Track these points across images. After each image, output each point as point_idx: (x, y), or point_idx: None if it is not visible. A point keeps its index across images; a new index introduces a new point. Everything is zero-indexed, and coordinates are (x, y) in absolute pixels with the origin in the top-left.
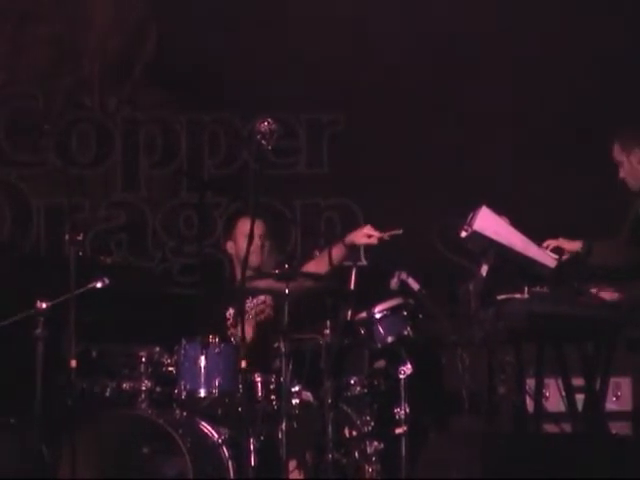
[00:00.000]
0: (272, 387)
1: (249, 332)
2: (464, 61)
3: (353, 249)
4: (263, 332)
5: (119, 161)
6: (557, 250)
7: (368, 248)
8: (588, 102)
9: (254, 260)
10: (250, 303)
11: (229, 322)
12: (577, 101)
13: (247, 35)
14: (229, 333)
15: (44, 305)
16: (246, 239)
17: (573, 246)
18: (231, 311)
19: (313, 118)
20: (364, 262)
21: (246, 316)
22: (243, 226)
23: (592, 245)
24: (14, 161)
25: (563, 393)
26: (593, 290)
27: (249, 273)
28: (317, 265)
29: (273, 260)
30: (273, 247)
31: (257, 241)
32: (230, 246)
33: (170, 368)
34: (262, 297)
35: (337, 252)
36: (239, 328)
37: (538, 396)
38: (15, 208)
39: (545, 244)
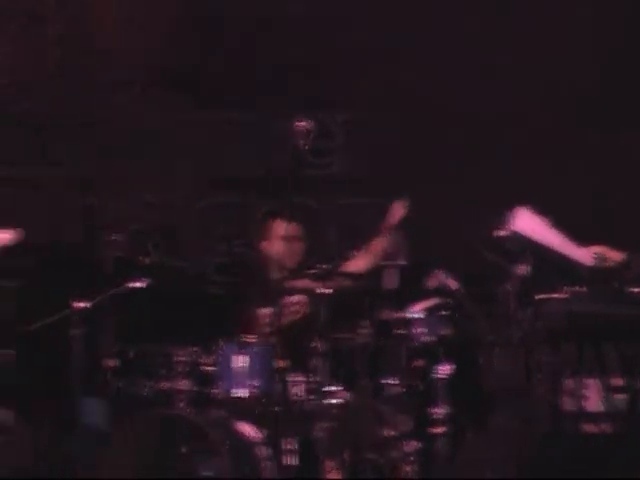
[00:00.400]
0: (310, 387)
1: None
2: (500, 61)
3: (393, 234)
4: (299, 332)
5: (154, 161)
6: (599, 257)
7: (407, 248)
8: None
9: (289, 262)
10: (286, 300)
11: (265, 322)
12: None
13: (281, 34)
14: (265, 333)
15: (81, 305)
16: (280, 240)
17: (615, 256)
18: (267, 311)
19: (350, 118)
20: (402, 261)
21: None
22: (278, 227)
23: (632, 260)
24: (51, 161)
25: (602, 393)
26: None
27: (284, 274)
28: (357, 263)
29: (306, 261)
30: (306, 249)
31: (291, 243)
32: (265, 246)
33: (208, 368)
34: (297, 297)
35: (379, 243)
36: (276, 328)
37: (577, 396)
38: (52, 208)
39: (588, 250)
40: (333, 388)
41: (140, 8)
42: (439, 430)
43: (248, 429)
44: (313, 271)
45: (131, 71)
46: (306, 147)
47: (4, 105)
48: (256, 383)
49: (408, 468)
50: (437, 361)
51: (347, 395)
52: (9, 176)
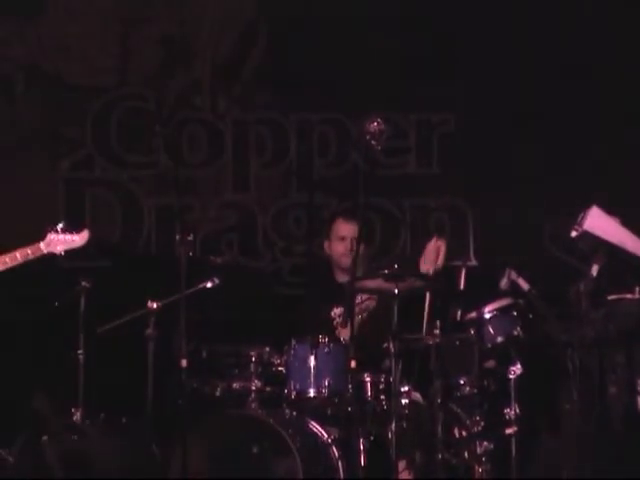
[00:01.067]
0: (382, 387)
1: (345, 331)
2: (575, 61)
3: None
4: (369, 330)
5: (229, 162)
6: None
7: (478, 248)
8: None
9: (343, 261)
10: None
11: (335, 322)
12: None
13: (357, 35)
14: (336, 333)
15: (155, 305)
16: (340, 240)
17: None
18: (337, 311)
19: (423, 118)
20: (474, 262)
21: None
22: (337, 227)
23: None
24: (126, 162)
25: None
26: None
27: (348, 274)
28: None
29: (368, 262)
30: (367, 249)
31: (346, 242)
32: (327, 246)
33: (280, 368)
34: (364, 296)
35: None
36: (347, 328)
37: None
38: (126, 209)
39: None
40: (405, 388)
41: (225, 9)
42: (511, 430)
43: (320, 429)
44: (386, 272)
45: (213, 71)
46: (379, 147)
47: (108, 105)
48: (328, 383)
49: (480, 469)
50: (509, 361)
51: (419, 395)
52: (88, 177)
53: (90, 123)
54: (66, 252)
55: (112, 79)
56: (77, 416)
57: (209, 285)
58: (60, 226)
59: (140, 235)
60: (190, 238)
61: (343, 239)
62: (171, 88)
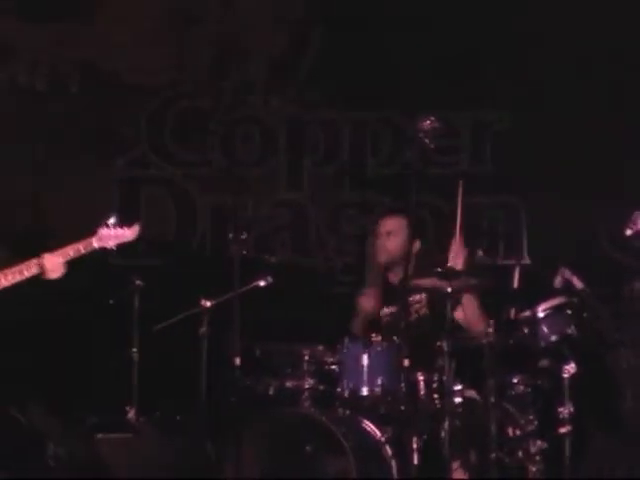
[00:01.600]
0: (435, 386)
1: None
2: (629, 60)
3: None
4: (423, 331)
5: (283, 160)
6: None
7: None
8: None
9: (380, 257)
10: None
11: (385, 321)
12: None
13: (409, 33)
14: (386, 332)
15: (208, 303)
16: (385, 237)
17: None
18: (386, 310)
19: (476, 116)
20: (528, 260)
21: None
22: (383, 224)
23: None
24: (180, 161)
25: None
26: None
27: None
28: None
29: (427, 260)
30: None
31: (386, 238)
32: (371, 243)
33: (333, 366)
34: (417, 296)
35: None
36: (399, 326)
37: None
38: (181, 207)
39: None
40: (458, 387)
41: (279, 8)
42: (564, 430)
43: (374, 428)
44: (439, 270)
45: (267, 70)
46: (432, 146)
47: (163, 104)
48: (381, 382)
49: (534, 468)
50: (563, 360)
51: (473, 394)
52: (143, 175)
53: (145, 122)
54: (118, 247)
55: (166, 78)
56: (131, 414)
57: (262, 284)
58: (111, 221)
59: (194, 234)
60: (243, 237)
61: (389, 234)
62: (225, 87)
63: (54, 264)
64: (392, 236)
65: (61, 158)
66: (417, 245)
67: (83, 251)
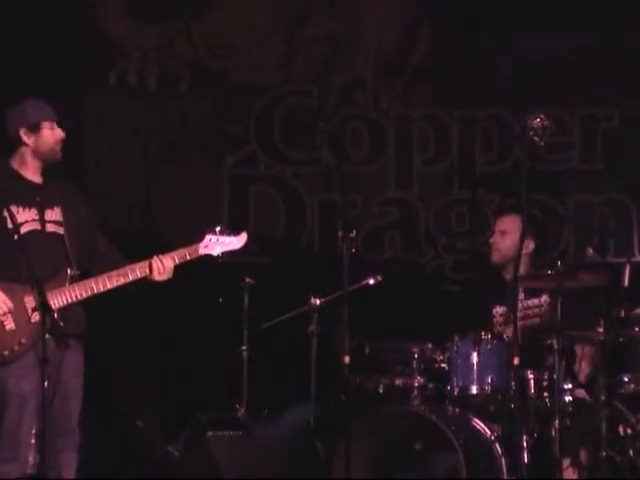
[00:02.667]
0: (545, 384)
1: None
2: None
3: None
4: (535, 334)
5: (392, 158)
6: None
7: None
8: None
9: (494, 256)
10: (523, 303)
11: (498, 320)
12: None
13: (517, 31)
14: (499, 330)
15: (318, 301)
16: (502, 235)
17: None
18: (499, 309)
19: (587, 113)
20: (638, 258)
21: (519, 314)
22: (500, 222)
23: None
24: (289, 159)
25: None
26: None
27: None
28: None
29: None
30: (534, 246)
31: (501, 237)
32: (492, 241)
33: (442, 364)
34: (537, 300)
35: None
36: (510, 326)
37: None
38: (289, 205)
39: None
40: (569, 386)
41: (390, 6)
42: None
43: (483, 426)
44: (550, 269)
45: (376, 68)
46: (542, 143)
47: (272, 102)
48: (491, 380)
49: None
50: None
51: (583, 393)
52: (252, 174)
53: (254, 120)
54: (224, 254)
55: (276, 77)
56: (241, 412)
57: (372, 282)
58: (218, 228)
59: (303, 231)
60: (353, 235)
61: (503, 233)
62: (334, 85)
63: (162, 267)
64: (506, 235)
65: (171, 157)
66: (531, 245)
67: (188, 257)
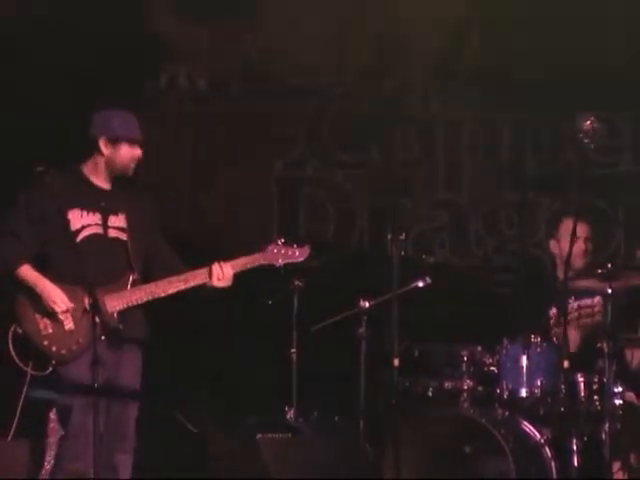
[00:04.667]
0: (595, 387)
1: (572, 333)
2: None
3: None
4: (589, 336)
5: (441, 161)
6: None
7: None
8: None
9: (577, 262)
10: (574, 304)
11: (552, 322)
12: None
13: (567, 32)
14: (552, 333)
15: (367, 304)
16: (568, 240)
17: None
18: (554, 310)
19: (637, 116)
20: None
21: (569, 316)
22: (567, 226)
23: None
24: (339, 161)
25: None
26: None
27: (570, 274)
28: None
29: (594, 261)
30: (594, 248)
31: (581, 244)
32: (553, 245)
33: (492, 367)
34: (589, 301)
35: None
36: (561, 328)
37: None
38: (339, 208)
39: None
40: (619, 389)
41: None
42: None
43: (533, 429)
44: (600, 271)
45: (425, 70)
46: (592, 146)
47: (322, 105)
48: (540, 383)
49: None
50: None
51: (633, 396)
52: (302, 176)
53: (304, 123)
54: (285, 265)
55: (326, 79)
56: (290, 414)
57: (421, 284)
58: (282, 239)
59: (352, 234)
60: (402, 237)
61: (572, 238)
62: (384, 88)
63: (222, 274)
64: (580, 240)
65: (221, 159)
66: (582, 246)
67: (249, 266)
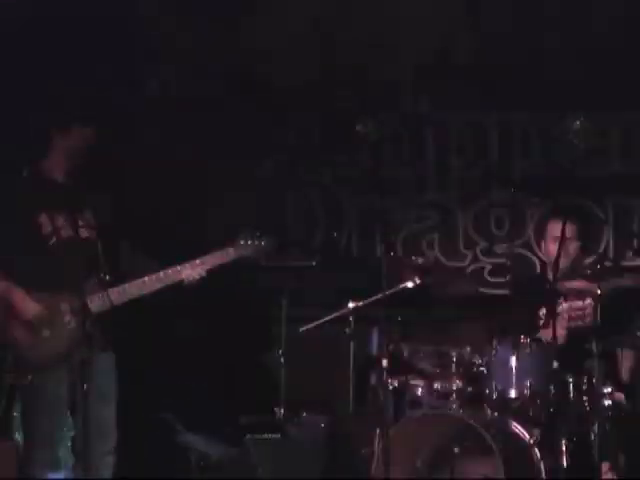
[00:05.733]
0: (584, 388)
1: (562, 334)
2: None
3: None
4: (577, 337)
5: (431, 162)
6: None
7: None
8: None
9: (563, 262)
10: (564, 305)
11: (541, 323)
12: None
13: (563, 33)
14: (540, 334)
15: (356, 305)
16: (556, 241)
17: None
18: (543, 311)
19: (625, 117)
20: None
21: (559, 317)
22: (553, 228)
23: None
24: (328, 162)
25: None
26: None
27: (558, 275)
28: None
29: (582, 262)
30: (582, 249)
31: (569, 244)
32: (542, 246)
33: (481, 368)
34: (581, 303)
35: None
36: (551, 329)
37: None
38: (329, 209)
39: None
40: (608, 389)
41: (427, 8)
42: None
43: (522, 430)
44: (589, 272)
45: (416, 70)
46: (581, 146)
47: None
48: (530, 384)
49: None
50: None
51: (622, 397)
52: (291, 178)
53: (293, 124)
54: (257, 255)
55: (315, 80)
56: (279, 415)
57: (410, 285)
58: (250, 230)
59: (341, 235)
60: (391, 238)
61: (558, 239)
62: (374, 88)
63: (193, 273)
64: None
65: (211, 160)
66: (570, 246)
67: (221, 260)
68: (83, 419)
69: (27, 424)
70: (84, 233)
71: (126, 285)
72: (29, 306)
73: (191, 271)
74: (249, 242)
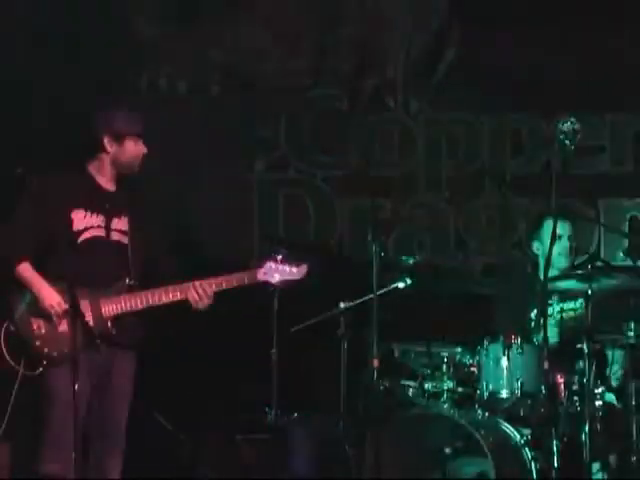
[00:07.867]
0: (575, 388)
1: (553, 334)
2: None
3: None
4: (570, 336)
5: (422, 162)
6: None
7: None
8: None
9: (561, 261)
10: (556, 305)
11: (532, 323)
12: None
13: (550, 33)
14: (532, 334)
15: (347, 305)
16: (548, 240)
17: None
18: (535, 311)
19: (617, 117)
20: None
21: (551, 317)
22: (549, 227)
23: None
24: (319, 162)
25: None
26: None
27: (551, 274)
28: None
29: (574, 261)
30: (574, 249)
31: (564, 243)
32: (534, 245)
33: (472, 368)
34: (572, 303)
35: None
36: (542, 329)
37: None
38: (319, 209)
39: None
40: (599, 390)
41: (419, 9)
42: None
43: (513, 430)
44: (579, 271)
45: (406, 71)
46: (572, 147)
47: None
48: (521, 384)
49: None
50: None
51: (613, 397)
52: (282, 178)
53: (284, 124)
54: (282, 283)
55: (305, 80)
56: (271, 415)
57: (401, 285)
58: (280, 256)
59: (332, 235)
60: (382, 238)
61: (552, 239)
62: (364, 88)
63: (203, 293)
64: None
65: (202, 161)
66: (564, 245)
67: (247, 282)
68: (95, 418)
69: (37, 421)
70: (115, 236)
71: (148, 292)
72: (54, 300)
73: (199, 292)
74: (278, 267)
